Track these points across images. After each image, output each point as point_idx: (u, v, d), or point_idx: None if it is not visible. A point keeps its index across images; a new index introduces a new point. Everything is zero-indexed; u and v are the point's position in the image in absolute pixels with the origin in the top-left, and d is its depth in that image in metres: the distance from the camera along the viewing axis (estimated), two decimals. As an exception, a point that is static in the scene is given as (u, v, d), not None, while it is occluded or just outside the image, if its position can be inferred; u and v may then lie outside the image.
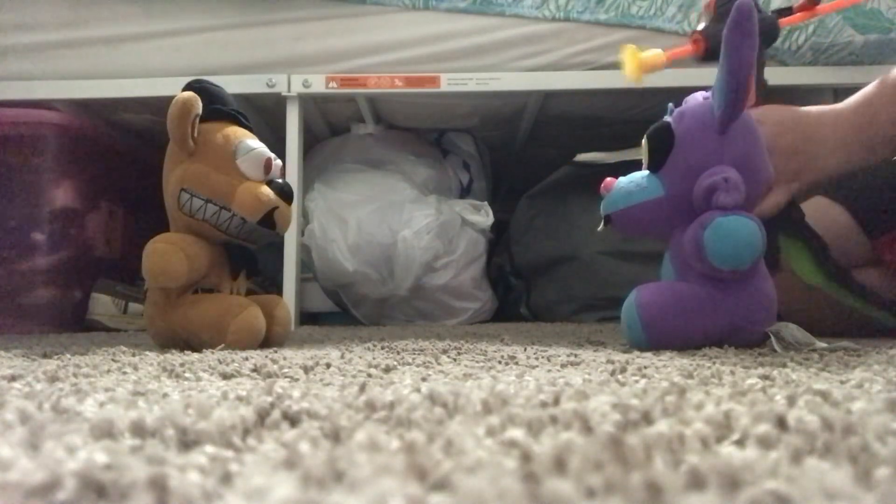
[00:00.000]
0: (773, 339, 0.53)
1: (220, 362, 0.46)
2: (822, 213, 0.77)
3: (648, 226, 0.60)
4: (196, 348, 0.60)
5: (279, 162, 0.67)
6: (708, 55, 0.72)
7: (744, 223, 0.53)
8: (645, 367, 0.41)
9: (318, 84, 1.14)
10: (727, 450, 0.20)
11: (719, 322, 0.55)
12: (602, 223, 0.62)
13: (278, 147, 1.26)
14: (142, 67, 1.13)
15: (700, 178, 0.55)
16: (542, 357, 0.51)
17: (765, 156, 0.58)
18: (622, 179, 0.61)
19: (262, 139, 0.69)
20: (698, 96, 0.59)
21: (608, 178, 0.62)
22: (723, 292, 0.55)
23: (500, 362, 0.47)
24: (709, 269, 0.54)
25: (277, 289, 1.24)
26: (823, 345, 0.52)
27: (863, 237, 0.81)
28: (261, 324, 0.63)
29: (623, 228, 0.61)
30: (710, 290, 0.55)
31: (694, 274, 0.56)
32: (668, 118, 0.59)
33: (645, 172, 0.60)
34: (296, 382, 0.36)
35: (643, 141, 0.60)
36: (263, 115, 1.29)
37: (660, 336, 0.55)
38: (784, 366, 0.41)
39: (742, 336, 0.56)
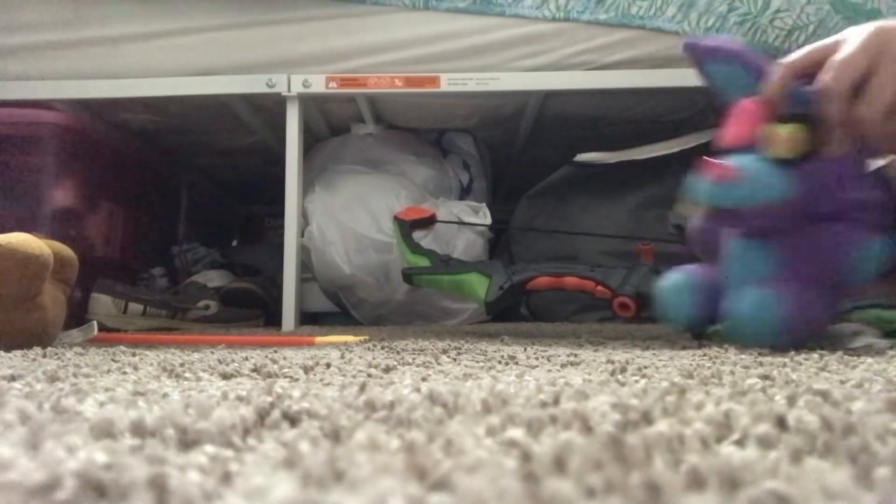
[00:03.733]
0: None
1: (220, 362, 0.46)
2: None
3: (769, 224, 0.56)
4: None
5: None
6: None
7: (885, 245, 0.54)
8: (645, 367, 0.41)
9: (318, 84, 1.14)
10: (727, 450, 0.20)
11: (828, 318, 0.57)
12: (699, 208, 0.59)
13: (278, 147, 1.27)
14: (142, 67, 1.13)
15: (845, 189, 0.54)
16: (542, 357, 0.51)
17: None
18: (746, 166, 0.55)
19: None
20: None
21: (721, 163, 0.54)
22: (831, 293, 0.56)
23: (500, 362, 0.47)
24: (837, 278, 0.55)
25: (277, 288, 1.24)
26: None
27: None
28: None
29: (738, 223, 0.58)
30: (829, 293, 0.56)
31: (814, 277, 0.55)
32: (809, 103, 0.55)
33: (761, 161, 0.55)
34: (296, 382, 0.36)
35: (790, 127, 0.54)
36: (263, 115, 1.29)
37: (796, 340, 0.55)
38: (784, 366, 0.41)
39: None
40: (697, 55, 0.62)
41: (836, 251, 0.54)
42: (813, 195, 0.55)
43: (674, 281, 0.63)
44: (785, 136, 0.54)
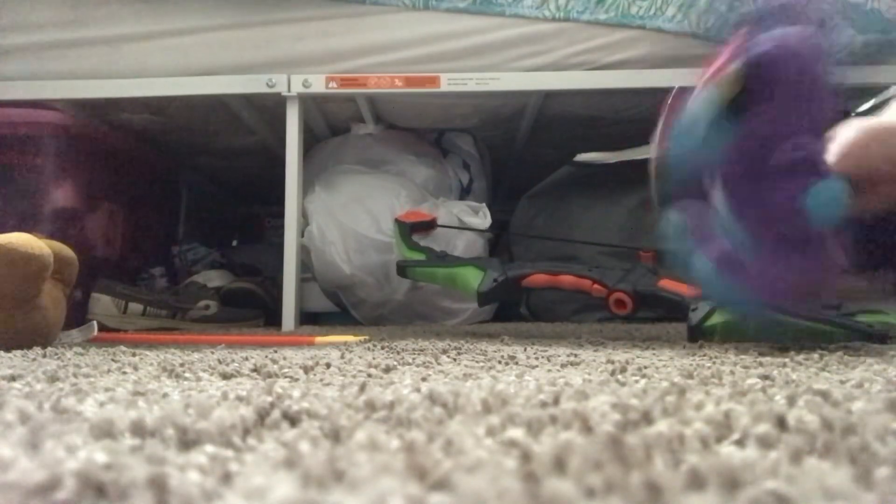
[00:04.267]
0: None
1: (220, 362, 0.46)
2: None
3: (710, 173, 0.56)
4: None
5: None
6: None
7: (841, 186, 0.53)
8: (645, 367, 0.41)
9: (318, 84, 1.14)
10: (727, 450, 0.20)
11: (805, 276, 0.54)
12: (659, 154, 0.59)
13: (278, 147, 1.27)
14: (142, 67, 1.13)
15: (791, 141, 0.53)
16: (542, 357, 0.51)
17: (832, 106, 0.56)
18: (697, 109, 0.55)
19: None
20: (798, 32, 0.54)
21: (679, 96, 0.55)
22: (802, 248, 0.54)
23: (500, 362, 0.47)
24: (799, 228, 0.53)
25: (277, 288, 1.24)
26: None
27: None
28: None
29: (680, 171, 0.58)
30: (791, 246, 0.54)
31: (771, 230, 0.54)
32: (763, 44, 0.53)
33: (719, 110, 0.54)
34: (296, 382, 0.36)
35: (733, 69, 0.53)
36: (263, 115, 1.29)
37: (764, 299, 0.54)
38: (784, 366, 0.42)
39: (817, 288, 0.57)
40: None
41: (786, 201, 0.53)
42: (757, 144, 0.54)
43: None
44: (726, 77, 0.53)
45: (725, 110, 0.54)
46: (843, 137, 0.57)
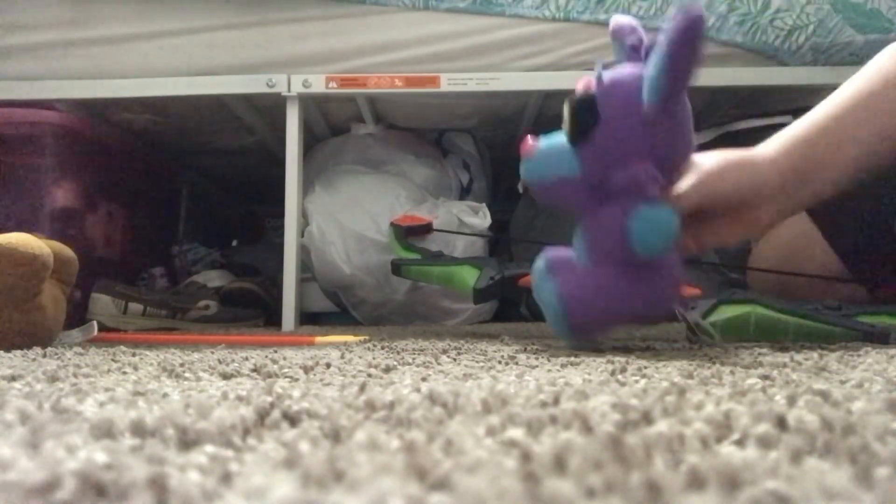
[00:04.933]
0: (681, 316, 0.56)
1: (220, 362, 0.46)
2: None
3: (563, 202, 0.60)
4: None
5: None
6: None
7: (667, 212, 0.53)
8: (645, 367, 0.41)
9: (318, 84, 1.14)
10: (727, 450, 0.20)
11: (636, 305, 0.56)
12: (521, 185, 0.63)
13: (278, 147, 1.27)
14: (142, 67, 1.13)
15: (621, 169, 0.54)
16: (542, 357, 0.51)
17: (687, 140, 0.57)
18: (543, 144, 0.59)
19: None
20: (627, 68, 0.58)
21: (529, 139, 0.60)
22: (638, 276, 0.55)
23: (500, 362, 0.47)
24: (629, 256, 0.54)
25: (277, 288, 1.24)
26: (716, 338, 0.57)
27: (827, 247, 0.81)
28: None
29: (540, 199, 0.61)
30: (627, 275, 0.55)
31: (608, 257, 0.56)
32: (593, 85, 0.57)
33: (565, 142, 0.58)
34: (296, 382, 0.36)
35: (565, 106, 0.58)
36: (263, 115, 1.29)
37: (585, 329, 0.57)
38: (784, 366, 0.42)
39: (655, 315, 0.58)
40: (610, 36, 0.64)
41: (611, 227, 0.54)
42: (594, 174, 0.56)
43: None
44: (566, 115, 0.57)
45: (569, 143, 0.57)
46: (700, 166, 0.57)
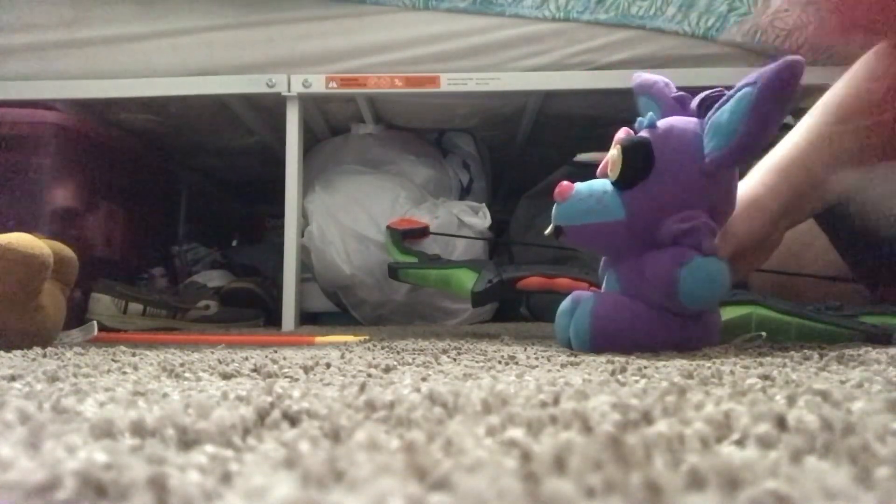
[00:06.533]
0: None
1: (220, 362, 0.46)
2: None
3: (602, 246, 0.59)
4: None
5: None
6: None
7: (720, 267, 0.52)
8: (645, 367, 0.41)
9: (318, 84, 1.14)
10: (727, 450, 0.20)
11: (666, 343, 0.55)
12: (551, 230, 0.59)
13: (278, 147, 1.27)
14: (142, 67, 1.13)
15: (675, 217, 0.53)
16: (542, 357, 0.51)
17: (734, 196, 0.57)
18: (581, 188, 0.57)
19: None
20: (679, 117, 0.56)
21: (564, 183, 0.57)
22: (675, 320, 0.54)
23: (500, 362, 0.47)
24: (674, 306, 0.53)
25: (277, 288, 1.24)
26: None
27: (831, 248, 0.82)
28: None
29: (574, 243, 0.59)
30: (664, 317, 0.54)
31: (648, 302, 0.55)
32: (645, 132, 0.55)
33: (607, 185, 0.56)
34: (296, 382, 0.36)
35: (616, 151, 0.56)
36: (263, 115, 1.29)
37: (602, 350, 0.55)
38: (784, 366, 0.41)
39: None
40: (635, 91, 0.63)
41: (660, 275, 0.53)
42: (642, 220, 0.54)
43: (563, 305, 0.62)
44: (612, 160, 0.56)
45: (615, 187, 0.56)
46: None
